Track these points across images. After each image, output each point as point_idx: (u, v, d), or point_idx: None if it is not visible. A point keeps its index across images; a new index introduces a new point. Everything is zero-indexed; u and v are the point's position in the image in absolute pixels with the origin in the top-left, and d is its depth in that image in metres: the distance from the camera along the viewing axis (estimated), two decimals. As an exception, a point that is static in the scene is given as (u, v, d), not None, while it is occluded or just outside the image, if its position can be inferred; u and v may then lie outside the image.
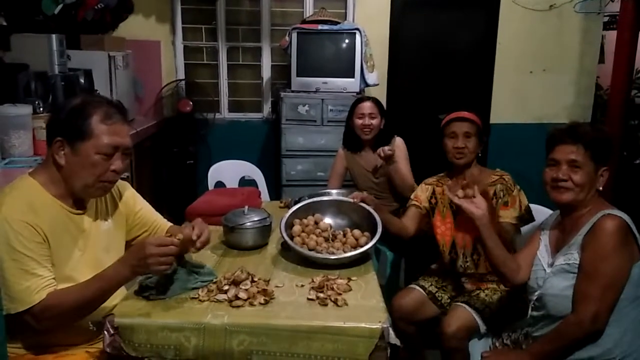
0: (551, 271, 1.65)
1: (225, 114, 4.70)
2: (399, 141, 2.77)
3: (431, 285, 2.21)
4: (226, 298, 1.52)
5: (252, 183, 3.40)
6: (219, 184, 3.33)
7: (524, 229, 2.15)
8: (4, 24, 2.92)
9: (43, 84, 2.87)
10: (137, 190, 1.84)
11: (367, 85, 4.02)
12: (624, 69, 4.00)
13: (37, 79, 2.85)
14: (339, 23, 4.03)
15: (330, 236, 1.94)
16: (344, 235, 1.96)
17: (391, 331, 1.42)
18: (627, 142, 4.30)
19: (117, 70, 3.61)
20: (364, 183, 2.81)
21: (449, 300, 2.15)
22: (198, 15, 4.55)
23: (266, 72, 4.63)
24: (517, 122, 4.56)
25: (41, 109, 2.72)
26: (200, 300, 1.53)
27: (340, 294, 1.57)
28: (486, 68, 4.59)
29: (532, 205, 2.36)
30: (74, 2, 3.13)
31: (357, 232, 1.96)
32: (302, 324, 1.43)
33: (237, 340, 1.42)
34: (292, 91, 3.94)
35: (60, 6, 3.04)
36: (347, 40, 3.97)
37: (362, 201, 2.04)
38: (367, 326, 1.42)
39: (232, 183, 3.38)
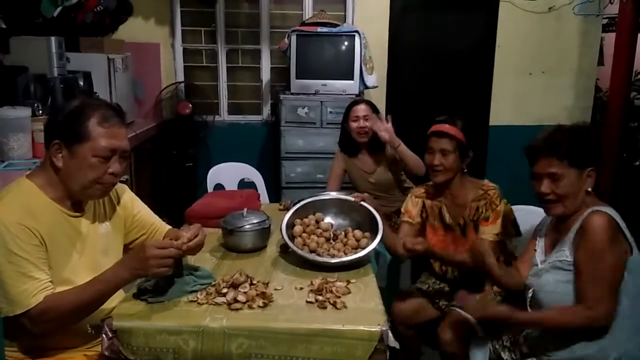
0: (543, 267, 1.67)
1: (224, 116, 4.70)
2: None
3: (429, 287, 2.20)
4: (225, 301, 1.52)
5: (252, 185, 3.39)
6: (218, 187, 3.32)
7: (524, 230, 2.14)
8: (3, 26, 2.92)
9: (42, 87, 2.87)
10: (137, 193, 1.84)
11: (367, 87, 4.02)
12: (623, 71, 4.00)
13: (36, 81, 2.85)
14: (338, 25, 4.03)
15: (331, 236, 1.94)
16: (345, 236, 1.96)
17: (390, 334, 1.41)
18: (627, 143, 4.30)
19: (117, 72, 3.61)
20: (363, 185, 2.81)
21: (447, 303, 2.15)
22: (197, 18, 4.55)
23: (265, 75, 4.63)
24: (516, 124, 4.56)
25: (40, 111, 2.72)
26: (198, 303, 1.53)
27: (339, 297, 1.57)
28: (485, 70, 4.59)
29: (531, 208, 2.36)
30: (73, 4, 3.13)
31: (358, 232, 1.96)
32: (301, 327, 1.43)
33: (235, 343, 1.42)
34: (292, 93, 3.94)
35: (59, 9, 3.04)
36: (346, 43, 3.97)
37: (363, 201, 2.04)
38: (366, 329, 1.42)
39: (231, 185, 3.37)
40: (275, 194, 3.92)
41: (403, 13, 4.47)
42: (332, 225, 2.02)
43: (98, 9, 3.44)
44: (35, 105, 2.72)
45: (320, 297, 1.56)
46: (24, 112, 2.57)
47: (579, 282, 1.57)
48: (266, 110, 4.68)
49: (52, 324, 1.41)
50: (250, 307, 1.51)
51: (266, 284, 1.65)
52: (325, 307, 1.52)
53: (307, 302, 1.56)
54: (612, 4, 4.33)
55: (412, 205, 2.23)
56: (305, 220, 2.02)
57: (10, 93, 2.76)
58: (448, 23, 4.53)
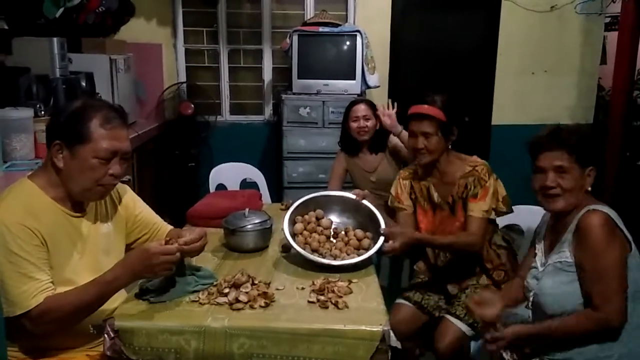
0: (544, 270, 1.66)
1: (226, 116, 4.70)
2: (394, 138, 2.78)
3: (416, 294, 2.16)
4: (227, 301, 1.52)
5: (254, 185, 3.39)
6: (220, 187, 3.32)
7: (527, 229, 2.14)
8: (6, 27, 2.92)
9: (44, 87, 2.87)
10: (139, 193, 1.84)
11: (368, 87, 4.02)
12: (625, 70, 3.99)
13: (38, 82, 2.85)
14: (339, 25, 4.03)
15: (332, 234, 1.94)
16: (346, 234, 1.96)
17: (392, 334, 1.41)
18: (630, 143, 4.29)
19: (119, 73, 3.62)
20: (364, 184, 2.81)
21: (435, 306, 2.13)
22: (199, 18, 4.56)
23: (267, 75, 4.64)
24: (518, 124, 4.55)
25: (42, 112, 2.72)
26: (200, 303, 1.53)
27: (340, 297, 1.57)
28: (487, 69, 4.59)
29: (533, 208, 2.35)
30: (76, 5, 3.13)
31: (359, 232, 1.96)
32: (303, 327, 1.43)
33: (237, 343, 1.42)
34: (293, 93, 3.95)
35: (61, 9, 3.04)
36: (348, 43, 3.97)
37: (364, 198, 2.04)
38: (368, 329, 1.42)
39: (233, 185, 3.37)
40: (277, 194, 3.92)
41: (404, 12, 4.47)
42: (331, 222, 2.02)
43: (100, 9, 3.44)
44: (38, 106, 2.72)
45: (322, 297, 1.56)
46: (27, 112, 2.57)
47: (584, 284, 1.56)
48: (268, 110, 4.68)
49: (52, 325, 1.42)
50: (251, 307, 1.51)
51: (268, 284, 1.66)
52: (326, 307, 1.52)
53: (309, 302, 1.56)
54: (614, 2, 4.32)
55: (401, 189, 2.20)
56: (306, 217, 2.02)
57: (13, 94, 2.76)
58: (450, 22, 4.53)
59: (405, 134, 2.60)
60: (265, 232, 2.01)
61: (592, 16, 4.49)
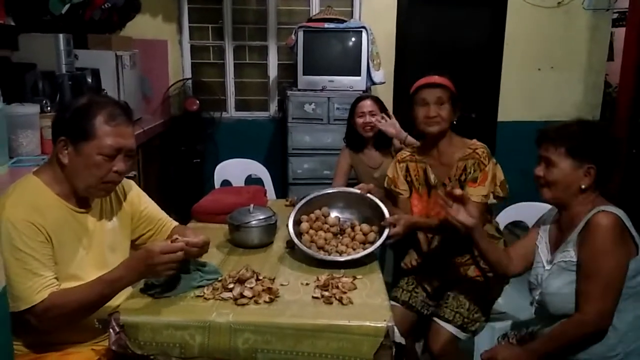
0: (549, 269, 1.65)
1: (232, 112, 4.71)
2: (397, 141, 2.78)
3: (403, 293, 2.16)
4: (231, 296, 1.53)
5: (259, 181, 3.39)
6: (226, 183, 3.33)
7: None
8: (12, 23, 2.93)
9: (50, 84, 2.88)
10: (144, 189, 1.85)
11: (374, 83, 4.01)
12: (633, 67, 3.96)
13: (44, 78, 2.86)
14: (345, 21, 4.02)
15: (339, 230, 1.94)
16: (352, 229, 1.95)
17: (396, 330, 1.41)
18: (637, 140, 4.26)
19: (125, 69, 3.62)
20: (368, 180, 2.80)
21: (422, 304, 2.13)
22: (205, 15, 4.56)
23: (273, 71, 4.64)
24: (525, 120, 4.53)
25: (49, 108, 2.73)
26: (205, 299, 1.53)
27: (345, 293, 1.57)
28: (494, 66, 4.57)
29: (540, 204, 2.34)
30: (82, 1, 3.13)
31: (365, 226, 1.95)
32: (307, 323, 1.43)
33: (242, 338, 1.42)
34: (299, 90, 3.94)
35: (67, 6, 3.04)
36: (353, 39, 3.96)
37: (369, 192, 2.03)
38: (372, 325, 1.41)
39: (238, 181, 3.38)
40: (282, 190, 3.93)
41: (410, 8, 4.45)
42: (339, 219, 2.02)
43: (106, 6, 3.44)
44: (44, 102, 2.72)
45: (326, 293, 1.56)
46: (33, 108, 2.58)
47: (577, 279, 1.55)
48: (273, 106, 4.68)
49: (56, 321, 1.42)
50: (256, 302, 1.51)
51: (272, 280, 1.66)
52: (331, 303, 1.52)
53: (313, 297, 1.56)
54: (622, -2, 4.29)
55: (397, 172, 2.18)
56: (312, 215, 2.02)
57: (19, 90, 2.76)
58: (456, 18, 4.51)
59: (410, 139, 2.59)
60: (270, 228, 2.02)
61: (599, 12, 4.46)
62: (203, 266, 1.67)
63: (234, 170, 3.44)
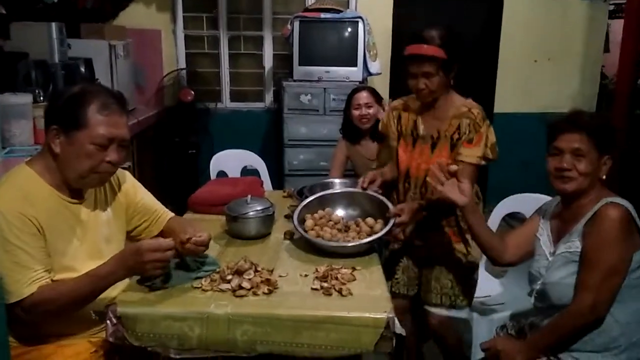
0: (553, 260, 1.64)
1: (226, 103, 4.67)
2: None
3: (398, 283, 2.17)
4: (229, 288, 1.51)
5: (255, 173, 3.37)
6: (221, 174, 3.30)
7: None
8: (4, 12, 2.88)
9: (43, 73, 2.84)
10: (139, 180, 1.82)
11: (370, 74, 3.99)
12: (630, 58, 3.96)
13: (37, 67, 2.82)
14: (341, 11, 3.99)
15: (344, 228, 1.92)
16: (357, 225, 1.94)
17: (396, 321, 1.40)
18: (633, 131, 4.27)
19: (118, 59, 3.58)
20: (365, 172, 2.79)
21: (405, 290, 2.15)
22: (199, 4, 4.52)
23: (268, 61, 4.60)
24: (521, 112, 4.53)
25: (41, 97, 2.70)
26: (203, 290, 1.52)
27: (344, 284, 1.55)
28: (490, 57, 4.55)
29: (538, 195, 2.34)
30: (74, -11, 3.10)
31: (370, 220, 1.93)
32: (306, 314, 1.42)
33: (240, 330, 1.41)
34: (294, 80, 3.92)
35: (60, -6, 3.01)
36: (349, 29, 3.94)
37: (371, 182, 2.01)
38: (372, 316, 1.40)
39: (234, 173, 3.35)
40: (278, 182, 3.91)
41: (407, -1, 4.42)
42: (342, 218, 2.00)
43: (99, -6, 3.40)
44: (37, 91, 2.69)
45: (325, 284, 1.55)
46: (25, 98, 2.55)
47: (579, 270, 1.55)
48: (269, 97, 4.65)
49: (45, 315, 1.41)
50: (254, 293, 1.50)
51: (271, 271, 1.64)
52: (330, 294, 1.51)
53: (312, 289, 1.54)
54: (619, -11, 4.29)
55: (389, 119, 2.15)
56: (315, 215, 1.99)
57: (11, 79, 2.73)
58: (452, 9, 4.48)
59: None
60: (268, 219, 2.00)
61: (596, 3, 4.46)
62: (201, 257, 1.65)
63: (229, 161, 3.41)
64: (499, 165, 2.22)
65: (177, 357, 1.42)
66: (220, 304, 1.44)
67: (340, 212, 2.04)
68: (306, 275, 1.64)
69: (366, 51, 3.92)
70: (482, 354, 1.75)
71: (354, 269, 1.67)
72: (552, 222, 1.74)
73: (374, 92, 2.80)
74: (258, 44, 4.60)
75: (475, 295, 2.36)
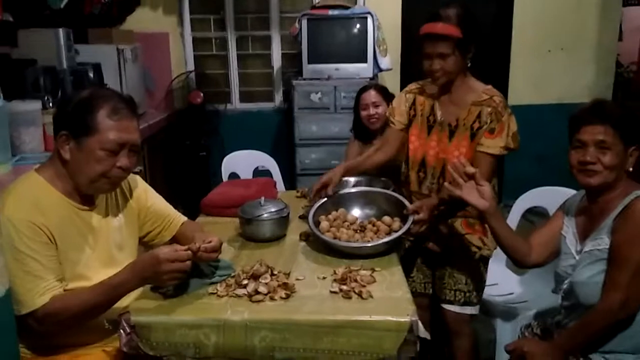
0: (580, 258, 1.58)
1: (236, 104, 4.65)
2: None
3: (414, 282, 2.13)
4: (246, 293, 1.46)
5: (267, 173, 3.34)
6: (233, 175, 3.27)
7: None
8: (11, 19, 2.88)
9: (52, 79, 2.82)
10: (151, 184, 1.79)
11: (380, 70, 3.94)
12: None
13: (45, 74, 2.80)
14: (349, 7, 3.95)
15: (359, 228, 1.87)
16: (373, 225, 1.88)
17: (420, 324, 1.35)
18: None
19: (126, 63, 3.57)
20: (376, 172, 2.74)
21: (422, 289, 2.14)
22: (206, 6, 4.50)
23: (277, 61, 4.56)
24: (536, 103, 4.44)
25: (50, 104, 2.68)
26: (218, 296, 1.47)
27: (364, 286, 1.50)
28: (502, 48, 4.47)
29: (555, 188, 2.27)
30: (80, -5, 3.08)
31: (387, 218, 1.88)
32: (326, 319, 1.37)
33: (258, 336, 1.36)
34: (304, 79, 3.88)
35: (66, 0, 2.99)
36: (358, 25, 3.89)
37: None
38: (395, 319, 1.35)
39: (246, 174, 3.32)
40: (290, 181, 3.87)
41: (416, -8, 4.35)
42: (357, 218, 1.95)
43: (105, -1, 3.39)
44: (45, 98, 2.68)
45: (344, 287, 1.49)
46: (34, 105, 2.53)
47: (608, 267, 1.49)
48: (278, 97, 4.61)
49: (58, 326, 1.38)
50: (272, 298, 1.45)
51: (287, 274, 1.59)
52: (350, 297, 1.46)
53: (331, 292, 1.49)
54: (633, -25, 4.19)
55: (400, 103, 2.06)
56: (330, 217, 1.94)
57: (20, 86, 2.72)
58: (463, 0, 4.40)
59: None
60: (283, 221, 1.95)
61: (610, -9, 4.36)
62: (215, 262, 1.61)
63: (241, 162, 3.38)
64: (514, 158, 2.14)
65: (194, 366, 1.38)
66: (237, 310, 1.39)
67: (355, 212, 1.99)
68: (324, 278, 1.59)
69: (376, 47, 3.87)
70: (506, 356, 1.69)
71: (373, 270, 1.62)
72: (577, 218, 1.67)
73: (382, 90, 2.72)
74: (266, 44, 4.57)
75: (498, 293, 2.30)
